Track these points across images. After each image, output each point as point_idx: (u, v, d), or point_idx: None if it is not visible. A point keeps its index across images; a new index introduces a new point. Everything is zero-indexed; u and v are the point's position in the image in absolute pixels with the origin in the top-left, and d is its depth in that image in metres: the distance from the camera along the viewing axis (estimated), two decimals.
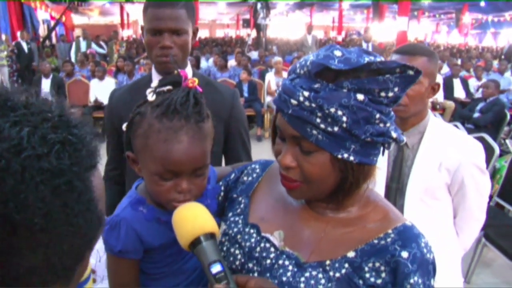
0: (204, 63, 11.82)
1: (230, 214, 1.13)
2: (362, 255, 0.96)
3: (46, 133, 0.47)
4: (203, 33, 33.86)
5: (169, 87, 1.00)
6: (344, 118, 0.87)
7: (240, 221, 1.09)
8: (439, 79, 8.07)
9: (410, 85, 0.91)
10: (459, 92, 8.79)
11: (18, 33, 13.96)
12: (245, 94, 8.40)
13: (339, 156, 0.91)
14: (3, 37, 13.12)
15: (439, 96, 8.46)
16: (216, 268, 0.86)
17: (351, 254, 0.96)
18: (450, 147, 1.77)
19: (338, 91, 0.87)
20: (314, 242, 1.01)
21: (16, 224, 0.44)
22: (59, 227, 0.48)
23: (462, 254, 1.99)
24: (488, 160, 2.92)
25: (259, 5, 15.17)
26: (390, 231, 0.98)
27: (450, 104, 8.28)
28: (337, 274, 0.95)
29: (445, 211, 1.86)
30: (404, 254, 0.94)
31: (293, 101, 0.90)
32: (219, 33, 40.57)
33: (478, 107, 6.93)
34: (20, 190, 0.44)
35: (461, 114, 7.27)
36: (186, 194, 1.00)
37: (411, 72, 0.90)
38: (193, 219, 0.92)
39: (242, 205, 1.13)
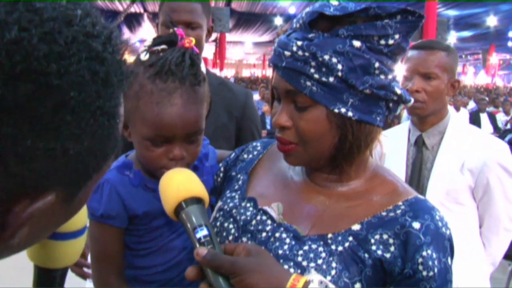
0: None
1: (228, 191, 1.05)
2: (369, 228, 0.86)
3: (97, 22, 0.47)
4: (229, 73, 34.55)
5: (163, 46, 0.95)
6: (339, 66, 0.81)
7: (236, 196, 1.02)
8: (465, 113, 7.85)
9: (413, 32, 0.85)
10: (486, 127, 8.60)
11: None
12: (268, 127, 8.39)
13: (336, 111, 0.83)
14: None
15: None
16: (201, 233, 0.78)
17: (356, 227, 0.87)
18: (473, 147, 1.66)
19: (333, 38, 0.82)
20: (315, 216, 0.92)
21: (51, 88, 0.41)
22: (87, 116, 0.45)
23: (491, 271, 1.82)
24: None
25: None
26: (400, 203, 0.88)
27: None
28: (340, 248, 0.85)
29: (469, 218, 1.72)
30: (416, 224, 0.83)
31: (287, 53, 0.84)
32: (246, 73, 41.33)
33: (507, 139, 6.71)
34: (65, 56, 0.42)
35: None
36: (178, 161, 0.95)
37: (413, 18, 0.84)
38: (178, 183, 0.85)
39: (240, 182, 1.06)
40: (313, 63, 0.82)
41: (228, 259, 0.76)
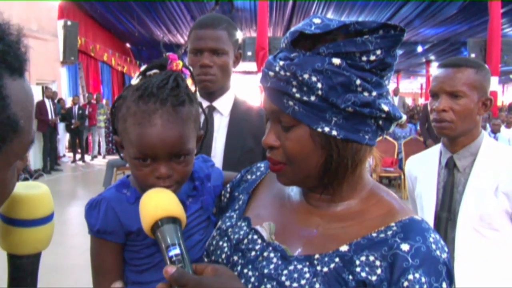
0: None
1: (229, 211, 1.07)
2: (356, 249, 0.83)
3: None
4: None
5: (155, 70, 1.01)
6: (319, 85, 0.80)
7: (234, 216, 1.03)
8: None
9: (396, 46, 0.82)
10: None
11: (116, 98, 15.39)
12: None
13: (319, 130, 0.83)
14: (104, 101, 14.48)
15: None
16: (173, 252, 0.81)
17: (344, 248, 0.84)
18: (507, 169, 1.55)
19: (313, 57, 0.82)
20: (307, 236, 0.91)
21: None
22: None
23: None
24: None
25: None
26: (393, 224, 0.85)
27: None
28: (325, 269, 0.83)
29: (508, 246, 1.59)
30: (405, 246, 0.79)
31: (271, 73, 0.85)
32: None
33: None
34: None
35: None
36: (166, 180, 0.97)
37: (395, 32, 0.82)
38: (157, 202, 0.88)
39: (240, 202, 1.07)
40: (294, 83, 0.82)
41: (194, 278, 0.77)
